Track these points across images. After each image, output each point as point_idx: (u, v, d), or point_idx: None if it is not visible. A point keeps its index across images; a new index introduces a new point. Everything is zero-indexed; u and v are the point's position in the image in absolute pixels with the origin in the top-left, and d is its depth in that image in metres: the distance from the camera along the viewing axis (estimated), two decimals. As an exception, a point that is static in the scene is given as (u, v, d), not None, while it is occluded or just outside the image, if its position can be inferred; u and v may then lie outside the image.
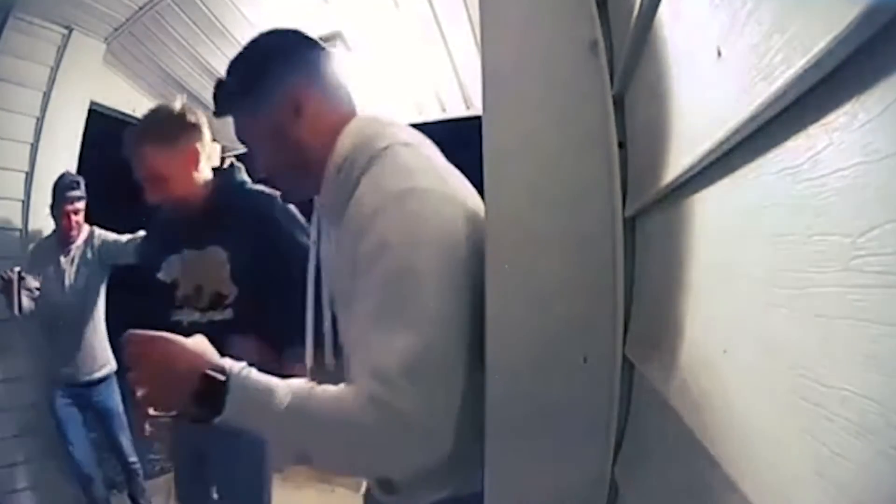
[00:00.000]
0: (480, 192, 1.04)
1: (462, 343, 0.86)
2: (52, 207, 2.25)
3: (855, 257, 0.35)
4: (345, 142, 0.95)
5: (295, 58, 1.02)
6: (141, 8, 2.37)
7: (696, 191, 0.71)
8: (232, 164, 1.82)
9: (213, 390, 0.75)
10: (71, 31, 2.43)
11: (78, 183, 2.41)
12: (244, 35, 2.56)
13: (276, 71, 0.98)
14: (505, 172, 1.05)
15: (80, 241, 2.37)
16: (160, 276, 1.67)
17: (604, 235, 0.98)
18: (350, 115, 1.03)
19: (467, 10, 2.24)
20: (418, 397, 0.76)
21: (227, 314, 1.63)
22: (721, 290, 0.63)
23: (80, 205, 2.38)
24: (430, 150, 1.01)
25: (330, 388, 0.80)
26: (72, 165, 2.49)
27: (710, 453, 0.56)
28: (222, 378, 0.76)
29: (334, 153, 0.95)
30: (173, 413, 0.85)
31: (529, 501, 1.02)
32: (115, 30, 2.50)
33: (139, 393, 0.79)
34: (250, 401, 0.76)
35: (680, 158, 0.72)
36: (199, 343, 0.82)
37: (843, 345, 0.36)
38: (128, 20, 2.45)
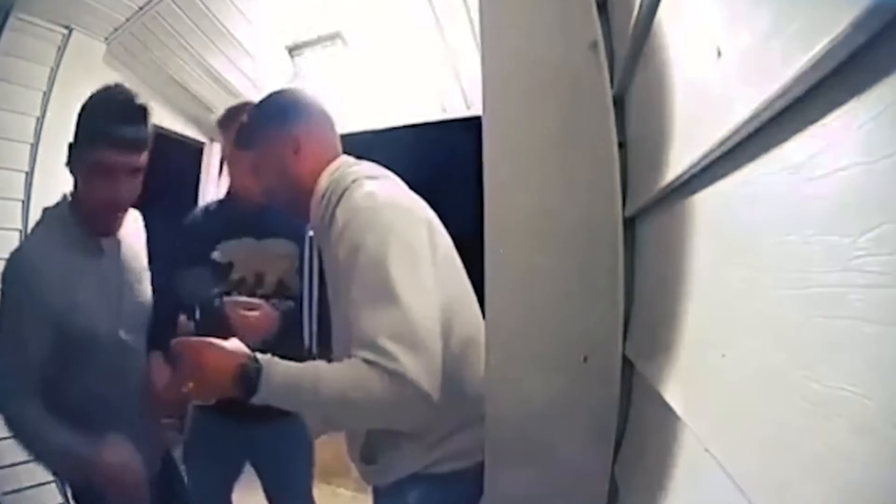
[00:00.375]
0: (480, 191, 1.04)
1: (434, 312, 1.04)
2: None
3: (855, 257, 0.35)
4: (325, 178, 1.19)
5: (299, 110, 1.29)
6: (141, 8, 2.37)
7: (696, 191, 0.71)
8: None
9: (248, 376, 0.96)
10: (71, 31, 2.43)
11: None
12: (244, 35, 2.56)
13: (284, 118, 1.24)
14: (505, 172, 1.05)
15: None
16: (215, 256, 1.71)
17: (604, 235, 0.98)
18: (335, 156, 1.26)
19: (467, 10, 2.24)
20: (405, 357, 0.94)
21: (289, 305, 1.72)
22: (720, 291, 0.63)
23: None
24: (391, 181, 1.25)
25: (336, 364, 1.00)
26: (72, 165, 2.49)
27: (711, 453, 0.56)
28: (256, 365, 0.97)
29: (318, 186, 1.19)
30: (212, 401, 1.03)
31: (530, 501, 1.02)
32: (116, 30, 2.50)
33: (186, 387, 0.97)
34: (279, 382, 0.97)
35: (680, 158, 0.72)
36: (234, 342, 1.03)
37: (843, 345, 0.36)
38: (128, 20, 2.44)
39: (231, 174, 1.60)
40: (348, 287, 1.04)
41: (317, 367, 1.00)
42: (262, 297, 1.64)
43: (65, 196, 1.40)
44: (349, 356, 0.99)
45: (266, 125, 1.26)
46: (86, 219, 1.36)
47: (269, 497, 1.86)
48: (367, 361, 0.95)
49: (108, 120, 1.29)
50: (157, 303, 1.52)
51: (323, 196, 1.17)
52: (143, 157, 1.34)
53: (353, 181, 1.15)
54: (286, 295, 1.72)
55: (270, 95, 1.31)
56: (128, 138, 1.31)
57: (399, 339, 0.95)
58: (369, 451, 1.15)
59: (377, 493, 1.27)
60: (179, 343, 1.02)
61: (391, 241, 1.03)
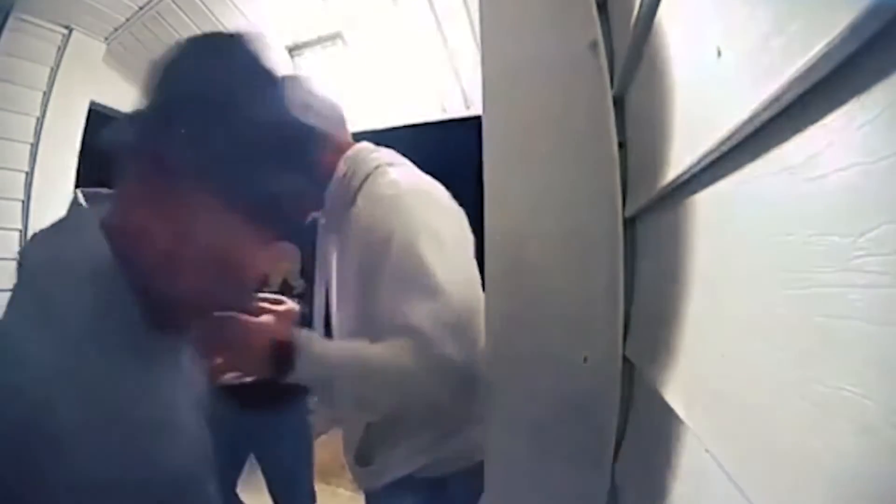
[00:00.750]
0: (481, 191, 1.04)
1: (469, 298, 1.03)
2: None
3: (855, 257, 0.35)
4: (344, 165, 1.16)
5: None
6: (141, 8, 2.37)
7: (696, 191, 0.71)
8: None
9: (285, 353, 0.93)
10: (71, 31, 2.43)
11: None
12: (244, 35, 2.57)
13: None
14: (505, 172, 1.05)
15: None
16: None
17: (604, 236, 0.98)
18: (348, 144, 1.23)
19: (467, 10, 2.24)
20: (449, 342, 0.96)
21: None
22: (721, 291, 0.63)
23: None
24: (410, 167, 1.23)
25: (377, 345, 0.98)
26: (72, 165, 2.48)
27: (711, 454, 0.57)
28: (292, 343, 0.95)
29: (336, 173, 1.16)
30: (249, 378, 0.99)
31: (530, 502, 1.02)
32: (116, 30, 2.50)
33: (219, 362, 0.92)
34: (316, 358, 0.95)
35: (680, 158, 0.72)
36: (269, 318, 0.99)
37: (843, 345, 0.36)
38: (128, 20, 2.44)
39: None
40: (379, 274, 1.03)
41: (357, 347, 1.00)
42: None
43: None
44: (383, 339, 0.98)
45: None
46: None
47: (271, 490, 1.88)
48: (409, 344, 0.95)
49: None
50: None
51: (342, 181, 1.15)
52: None
53: (376, 167, 1.14)
54: (292, 294, 1.73)
55: None
56: None
57: (441, 324, 0.97)
58: (367, 451, 1.13)
59: (370, 500, 1.25)
60: (218, 319, 0.93)
61: (419, 228, 1.03)
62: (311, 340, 0.98)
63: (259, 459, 1.90)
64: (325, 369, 0.98)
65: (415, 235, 1.02)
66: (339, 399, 1.00)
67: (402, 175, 1.15)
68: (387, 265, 1.02)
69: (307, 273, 1.77)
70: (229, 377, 0.93)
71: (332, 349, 0.99)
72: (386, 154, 1.21)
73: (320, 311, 1.34)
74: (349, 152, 1.19)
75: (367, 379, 0.97)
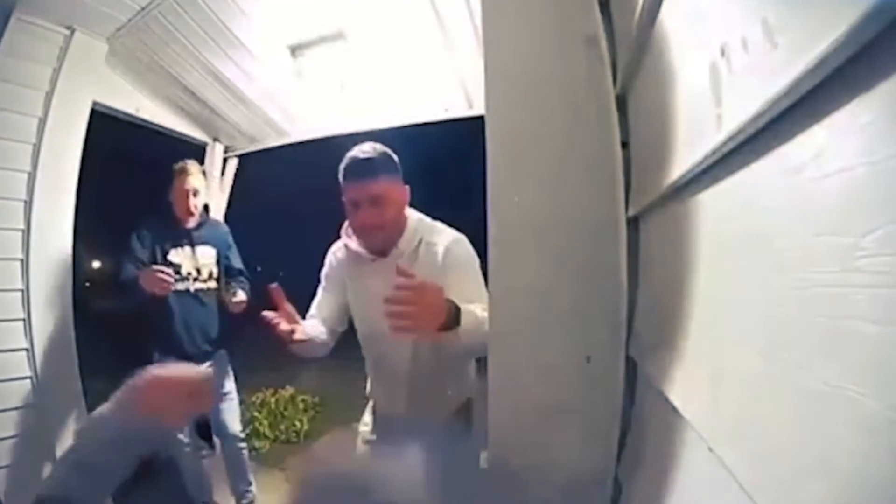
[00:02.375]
0: (483, 191, 1.04)
1: None
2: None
3: (857, 258, 0.35)
4: (411, 217, 1.66)
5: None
6: (143, 8, 2.37)
7: (699, 190, 0.71)
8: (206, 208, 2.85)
9: (455, 314, 1.27)
10: (73, 31, 2.43)
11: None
12: (246, 34, 2.56)
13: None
14: (508, 172, 1.05)
15: None
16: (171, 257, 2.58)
17: (607, 235, 0.98)
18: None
19: (469, 9, 2.23)
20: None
21: (213, 283, 2.71)
22: (723, 290, 0.63)
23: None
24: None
25: (477, 310, 1.32)
26: (74, 166, 2.48)
27: (714, 452, 0.57)
28: (457, 307, 1.28)
29: (409, 222, 1.65)
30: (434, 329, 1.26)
31: (533, 501, 1.02)
32: (118, 30, 2.49)
33: (409, 314, 1.17)
34: (471, 318, 1.28)
35: (683, 158, 0.72)
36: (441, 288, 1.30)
37: (846, 345, 0.36)
38: (130, 20, 2.44)
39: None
40: (459, 276, 1.50)
41: (475, 311, 1.30)
42: (200, 281, 2.63)
43: None
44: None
45: (394, 162, 1.61)
46: None
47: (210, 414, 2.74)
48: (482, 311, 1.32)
49: None
50: None
51: (414, 230, 1.63)
52: None
53: (431, 225, 1.67)
54: (215, 278, 2.71)
55: (373, 144, 1.60)
56: None
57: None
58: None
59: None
60: (406, 283, 1.19)
61: (474, 254, 1.58)
62: (465, 309, 1.29)
63: None
64: (473, 326, 1.29)
65: (475, 258, 1.58)
66: (479, 346, 1.24)
67: (443, 227, 1.68)
68: (462, 270, 1.54)
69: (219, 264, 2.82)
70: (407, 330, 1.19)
71: (469, 311, 1.30)
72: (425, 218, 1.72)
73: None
74: (408, 209, 1.67)
75: (484, 333, 1.20)
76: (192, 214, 2.62)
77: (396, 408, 1.69)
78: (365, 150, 1.56)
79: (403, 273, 1.19)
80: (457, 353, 1.55)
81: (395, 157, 1.61)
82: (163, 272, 2.34)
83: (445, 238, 1.61)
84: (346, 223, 1.70)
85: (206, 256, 2.70)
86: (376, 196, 1.52)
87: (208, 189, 3.00)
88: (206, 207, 2.82)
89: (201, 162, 3.23)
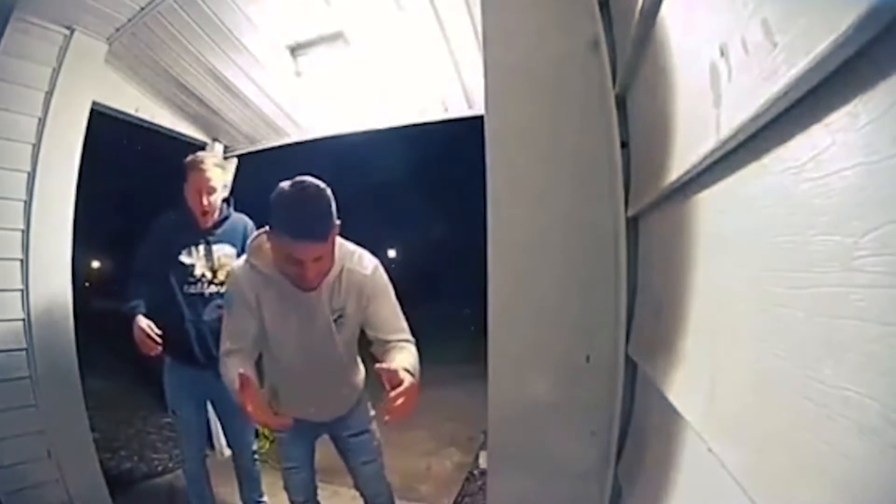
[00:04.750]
0: (483, 191, 1.04)
1: None
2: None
3: (857, 257, 0.35)
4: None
5: None
6: (143, 8, 2.37)
7: (698, 190, 0.71)
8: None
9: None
10: (73, 31, 2.43)
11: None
12: (246, 34, 2.56)
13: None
14: (507, 171, 1.05)
15: None
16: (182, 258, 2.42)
17: (606, 235, 0.98)
18: None
19: (469, 10, 2.23)
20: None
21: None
22: (723, 291, 0.63)
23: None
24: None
25: (410, 356, 1.43)
26: (74, 166, 2.48)
27: (714, 452, 0.57)
28: (411, 373, 1.32)
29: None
30: None
31: (532, 501, 1.02)
32: (117, 30, 2.49)
33: (408, 409, 1.20)
34: (416, 367, 1.39)
35: (682, 158, 0.72)
36: None
37: (845, 345, 0.36)
38: (130, 20, 2.44)
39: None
40: (380, 304, 1.61)
41: (411, 357, 1.42)
42: (215, 284, 2.45)
43: None
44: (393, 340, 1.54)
45: (331, 219, 1.47)
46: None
47: (222, 424, 2.71)
48: (412, 343, 1.52)
49: None
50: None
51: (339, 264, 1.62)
52: None
53: (352, 252, 1.66)
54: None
55: (319, 190, 1.45)
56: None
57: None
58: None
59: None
60: (404, 391, 1.21)
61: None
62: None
63: (213, 403, 2.56)
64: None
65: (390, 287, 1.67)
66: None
67: (363, 252, 1.69)
68: (383, 299, 1.63)
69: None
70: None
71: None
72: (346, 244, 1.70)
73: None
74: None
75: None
76: (206, 213, 2.36)
77: (304, 412, 1.76)
78: (308, 201, 1.40)
79: (397, 383, 1.21)
80: (354, 364, 1.82)
81: (330, 193, 1.44)
82: (150, 337, 2.20)
83: (365, 265, 1.64)
84: (254, 240, 1.65)
85: (226, 255, 2.46)
86: (323, 255, 1.44)
87: (225, 180, 2.63)
88: (226, 201, 2.52)
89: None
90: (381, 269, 1.66)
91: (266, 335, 1.62)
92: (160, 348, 2.21)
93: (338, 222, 1.44)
